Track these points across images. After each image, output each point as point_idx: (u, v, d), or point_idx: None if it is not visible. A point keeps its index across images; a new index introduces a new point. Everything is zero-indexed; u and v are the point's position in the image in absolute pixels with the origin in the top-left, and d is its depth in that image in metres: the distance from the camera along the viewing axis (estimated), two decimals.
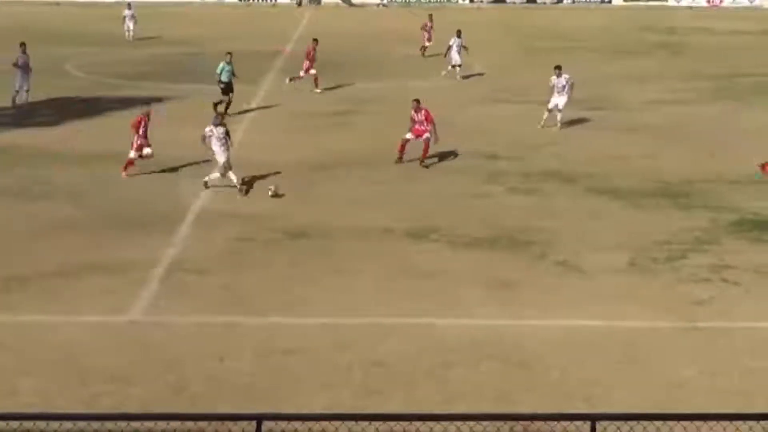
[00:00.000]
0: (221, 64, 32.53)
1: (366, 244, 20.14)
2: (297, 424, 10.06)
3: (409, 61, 44.07)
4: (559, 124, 30.67)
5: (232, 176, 23.50)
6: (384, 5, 70.14)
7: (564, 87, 30.67)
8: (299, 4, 69.48)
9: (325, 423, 9.67)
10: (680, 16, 62.86)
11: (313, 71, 36.75)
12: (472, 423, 9.59)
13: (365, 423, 9.47)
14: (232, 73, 32.47)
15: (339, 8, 68.33)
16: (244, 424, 9.36)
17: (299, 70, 37.12)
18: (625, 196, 23.54)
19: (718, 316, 16.68)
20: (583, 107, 32.88)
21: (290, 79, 36.71)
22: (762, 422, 9.72)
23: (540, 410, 12.95)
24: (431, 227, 21.06)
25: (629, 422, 9.40)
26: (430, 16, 47.46)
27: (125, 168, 24.70)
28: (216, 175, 23.60)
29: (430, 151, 26.13)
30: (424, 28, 46.44)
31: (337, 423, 9.35)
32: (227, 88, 32.28)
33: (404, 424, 9.94)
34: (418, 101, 26.49)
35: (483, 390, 14.01)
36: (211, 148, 23.77)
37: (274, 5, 69.19)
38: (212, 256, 19.32)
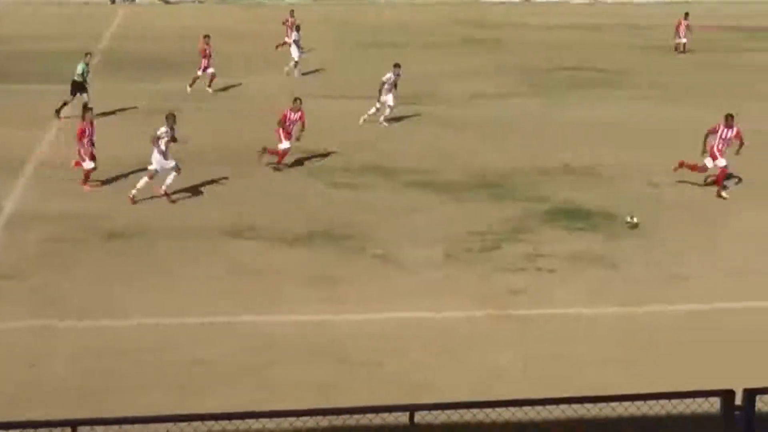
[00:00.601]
0: (81, 65, 31.38)
1: (186, 243, 19.88)
2: (114, 428, 9.84)
3: (240, 58, 43.36)
4: (385, 119, 30.92)
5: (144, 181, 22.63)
6: (200, 1, 69.14)
7: (395, 84, 31.02)
8: (113, 1, 67.69)
9: (139, 426, 9.46)
10: (497, 12, 64.08)
11: (211, 70, 35.70)
12: (292, 419, 9.57)
13: (184, 424, 9.33)
14: (84, 74, 31.43)
15: (154, 6, 66.97)
16: (57, 430, 9.10)
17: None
18: (445, 189, 23.91)
19: (533, 304, 17.14)
20: (408, 103, 33.18)
21: (190, 85, 35.33)
22: (574, 405, 10.00)
23: (361, 403, 12.99)
24: (253, 224, 20.94)
25: (446, 411, 9.54)
26: (292, 12, 46.41)
27: (85, 182, 23.35)
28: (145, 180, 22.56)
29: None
30: (285, 23, 45.25)
31: (154, 425, 9.18)
32: (81, 88, 31.18)
33: (224, 423, 9.84)
34: (300, 101, 25.89)
35: (305, 386, 14.02)
36: (162, 150, 22.56)
37: (86, 2, 66.91)
38: (24, 259, 18.77)
